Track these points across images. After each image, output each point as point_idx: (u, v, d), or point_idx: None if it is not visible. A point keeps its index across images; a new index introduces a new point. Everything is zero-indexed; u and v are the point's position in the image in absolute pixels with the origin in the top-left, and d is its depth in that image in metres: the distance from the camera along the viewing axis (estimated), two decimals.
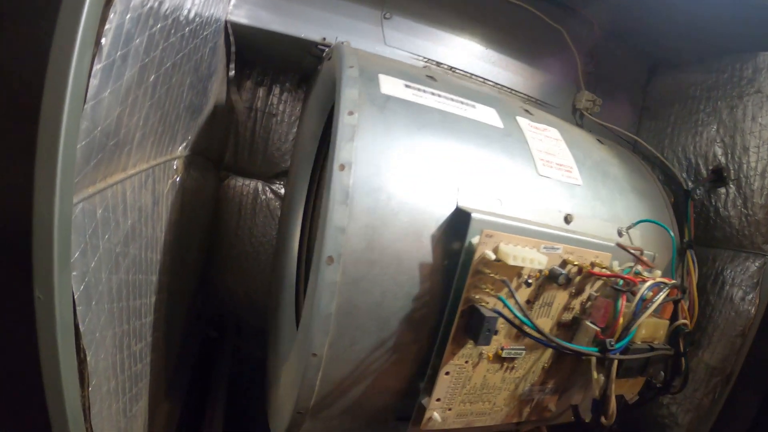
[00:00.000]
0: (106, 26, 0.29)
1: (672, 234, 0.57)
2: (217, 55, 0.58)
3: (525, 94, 0.74)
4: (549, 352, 0.49)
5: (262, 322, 0.94)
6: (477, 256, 0.40)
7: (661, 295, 0.48)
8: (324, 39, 0.63)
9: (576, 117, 0.80)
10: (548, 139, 0.56)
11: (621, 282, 0.47)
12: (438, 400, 0.45)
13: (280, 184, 0.90)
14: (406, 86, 0.50)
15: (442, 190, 0.44)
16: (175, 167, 0.53)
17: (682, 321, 0.57)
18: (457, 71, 0.70)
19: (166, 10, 0.37)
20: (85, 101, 0.28)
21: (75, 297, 0.30)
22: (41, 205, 0.26)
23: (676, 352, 0.57)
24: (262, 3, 0.61)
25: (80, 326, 0.31)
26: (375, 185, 0.41)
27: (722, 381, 0.75)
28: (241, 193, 0.89)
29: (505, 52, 0.73)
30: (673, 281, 0.51)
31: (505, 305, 0.40)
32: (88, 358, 0.33)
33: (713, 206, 0.76)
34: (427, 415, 0.45)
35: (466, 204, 0.44)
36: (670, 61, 0.83)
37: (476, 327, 0.41)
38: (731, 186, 0.74)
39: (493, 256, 0.40)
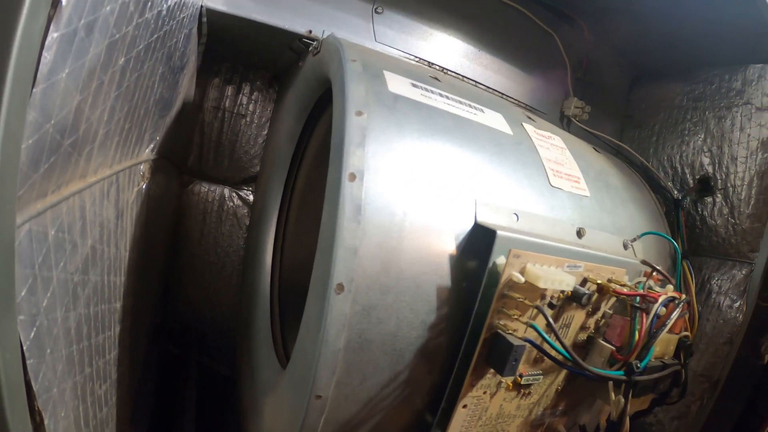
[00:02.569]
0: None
1: (677, 246, 0.57)
2: (191, 43, 0.51)
3: (515, 99, 0.73)
4: (563, 374, 0.47)
5: (229, 338, 0.87)
6: (504, 278, 0.37)
7: (677, 311, 0.47)
8: (310, 32, 0.57)
9: (563, 124, 0.80)
10: (554, 148, 0.54)
11: (638, 299, 0.46)
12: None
13: (248, 190, 0.82)
14: (413, 85, 0.45)
15: (460, 203, 0.40)
16: (141, 173, 0.45)
17: (684, 333, 0.57)
18: (449, 72, 0.66)
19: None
20: (34, 83, 0.21)
21: (24, 348, 0.23)
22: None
23: (682, 366, 0.57)
24: None
25: (33, 384, 0.24)
26: (389, 198, 0.37)
27: (709, 388, 0.77)
28: (205, 199, 0.80)
29: (498, 55, 0.70)
30: (684, 296, 0.51)
31: (538, 332, 0.37)
32: (45, 422, 0.25)
33: (700, 215, 0.78)
34: None
35: (484, 219, 0.40)
36: (656, 70, 0.85)
37: (502, 356, 0.37)
38: (718, 195, 0.76)
39: (522, 279, 0.36)
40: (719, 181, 0.76)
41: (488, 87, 0.70)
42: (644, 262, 0.46)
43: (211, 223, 0.82)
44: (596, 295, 0.45)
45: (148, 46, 0.35)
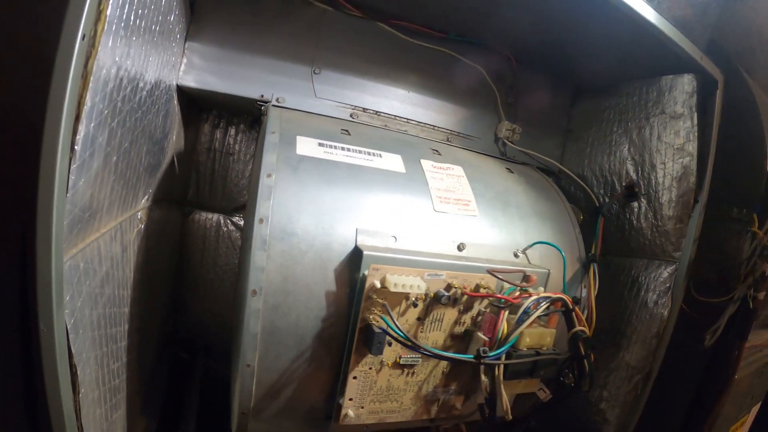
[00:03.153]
0: (77, 137, 0.47)
1: (562, 252, 0.76)
2: (169, 117, 0.77)
3: (448, 129, 0.93)
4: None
5: (228, 343, 1.14)
6: (367, 285, 0.59)
7: (540, 309, 0.66)
8: (262, 96, 0.82)
9: (499, 145, 0.99)
10: (450, 177, 0.75)
11: (503, 300, 0.66)
12: (351, 399, 0.64)
13: (239, 216, 1.09)
14: (320, 145, 0.69)
15: (344, 232, 0.63)
16: (139, 217, 0.72)
17: (579, 328, 0.74)
18: (382, 114, 0.89)
19: (122, 105, 0.56)
20: (67, 192, 0.47)
21: (68, 328, 0.49)
22: (43, 264, 0.45)
23: (577, 355, 0.75)
24: (207, 67, 0.80)
25: (72, 349, 0.50)
26: (288, 231, 0.60)
27: (642, 379, 0.93)
28: (204, 226, 1.08)
29: (427, 94, 0.92)
30: (557, 295, 0.69)
31: (385, 322, 0.58)
32: (78, 373, 0.51)
33: (628, 219, 0.95)
34: (342, 413, 0.64)
35: (363, 242, 0.62)
36: (590, 86, 1.02)
37: (369, 340, 0.59)
38: (642, 200, 0.92)
39: (378, 285, 0.58)
40: (643, 186, 0.92)
41: (419, 122, 0.91)
42: (489, 271, 0.65)
43: (209, 246, 1.09)
44: (465, 297, 0.66)
45: (132, 141, 0.61)
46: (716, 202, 0.94)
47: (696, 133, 0.85)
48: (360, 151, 0.71)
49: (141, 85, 0.60)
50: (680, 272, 0.89)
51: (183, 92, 0.82)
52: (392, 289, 0.58)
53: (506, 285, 0.68)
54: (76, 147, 0.47)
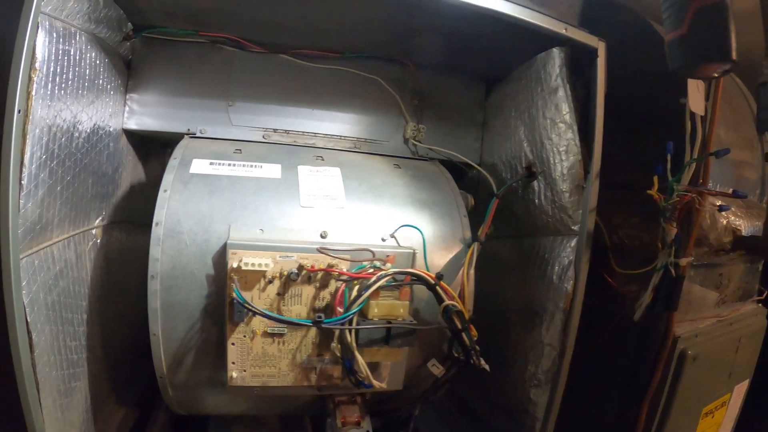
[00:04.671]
0: (23, 175, 0.94)
1: (422, 233, 1.08)
2: (117, 154, 1.25)
3: (355, 137, 1.30)
4: (313, 329, 1.03)
5: None
6: (228, 266, 0.97)
7: (380, 282, 0.99)
8: (188, 129, 1.27)
9: (409, 146, 1.33)
10: (324, 178, 1.12)
11: (346, 277, 1.00)
12: (233, 363, 1.02)
13: None
14: (211, 164, 1.10)
15: (220, 228, 1.03)
16: (93, 233, 1.19)
17: (449, 302, 1.06)
18: (291, 132, 1.29)
19: (58, 151, 1.03)
20: (19, 211, 0.93)
21: (24, 303, 0.94)
22: (5, 259, 0.91)
23: (454, 329, 1.06)
24: (144, 111, 1.27)
25: (28, 318, 0.95)
26: (177, 231, 1.02)
27: (558, 355, 1.18)
28: None
29: (331, 108, 1.30)
30: (406, 270, 1.02)
31: (236, 294, 0.96)
32: (34, 337, 0.96)
33: (531, 200, 1.22)
34: (228, 374, 1.02)
35: (233, 235, 1.02)
36: (495, 78, 1.33)
37: (231, 310, 0.97)
38: (540, 179, 1.20)
39: (236, 266, 0.97)
40: (538, 165, 1.19)
41: (326, 134, 1.30)
42: (319, 249, 1.00)
43: None
44: (321, 274, 1.01)
45: (74, 176, 1.08)
46: (625, 172, 1.18)
47: (572, 104, 1.11)
48: (243, 165, 1.11)
49: (76, 134, 1.07)
50: (581, 245, 1.14)
51: (130, 133, 1.30)
52: (244, 267, 0.96)
53: (364, 264, 1.02)
54: (22, 182, 0.93)
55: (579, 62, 1.14)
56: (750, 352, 1.63)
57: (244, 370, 1.03)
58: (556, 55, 1.13)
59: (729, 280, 1.57)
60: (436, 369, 1.13)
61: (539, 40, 1.13)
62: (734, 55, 0.80)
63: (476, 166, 1.27)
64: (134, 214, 1.40)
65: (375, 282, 0.99)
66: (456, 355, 1.12)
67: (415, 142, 1.32)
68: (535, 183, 1.20)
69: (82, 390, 1.15)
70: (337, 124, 1.32)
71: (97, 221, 1.21)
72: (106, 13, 1.08)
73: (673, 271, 1.14)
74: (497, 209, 1.21)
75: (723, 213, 1.33)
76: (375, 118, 1.34)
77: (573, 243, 1.15)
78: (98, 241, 1.21)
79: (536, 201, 1.21)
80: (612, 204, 1.26)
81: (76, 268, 1.12)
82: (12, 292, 0.91)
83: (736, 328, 1.55)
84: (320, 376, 1.06)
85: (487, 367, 1.10)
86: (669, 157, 1.09)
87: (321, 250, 1.00)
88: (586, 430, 1.43)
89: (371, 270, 1.02)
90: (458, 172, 1.39)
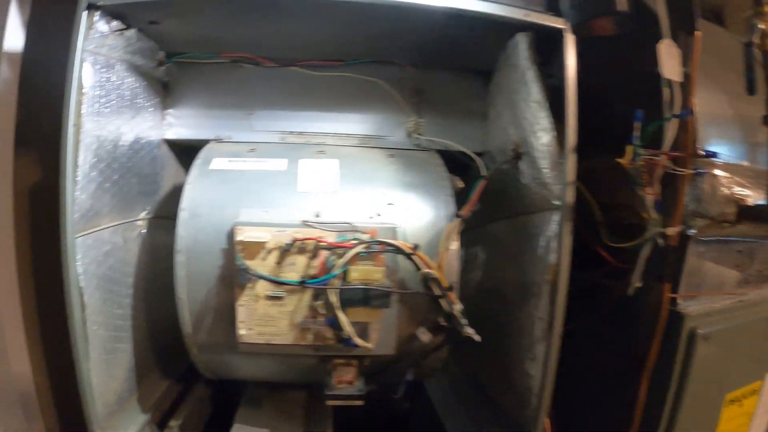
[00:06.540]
0: (77, 173, 1.21)
1: (406, 210, 1.25)
2: (159, 160, 1.52)
3: (360, 135, 1.51)
4: (308, 293, 1.22)
5: None
6: (234, 238, 1.19)
7: (356, 249, 1.17)
8: (217, 136, 1.52)
9: (411, 139, 1.52)
10: (322, 168, 1.33)
11: (326, 245, 1.19)
12: (242, 321, 1.22)
13: None
14: (229, 161, 1.34)
15: (232, 210, 1.25)
16: (139, 224, 1.46)
17: (426, 270, 1.23)
18: (305, 133, 1.51)
19: (106, 156, 1.30)
20: (74, 200, 1.20)
21: (78, 270, 1.20)
22: (64, 237, 1.18)
23: (432, 296, 1.22)
24: (179, 123, 1.54)
25: (81, 283, 1.21)
26: (197, 213, 1.26)
27: (547, 328, 1.28)
28: None
29: (339, 110, 1.51)
30: (382, 240, 1.19)
31: (238, 261, 1.17)
32: (84, 298, 1.22)
33: (519, 179, 1.35)
34: (237, 332, 1.23)
35: (243, 216, 1.24)
36: (489, 71, 1.49)
37: (238, 273, 1.19)
38: (525, 158, 1.33)
39: (239, 238, 1.18)
40: (521, 146, 1.32)
41: (335, 133, 1.51)
42: (304, 222, 1.19)
43: None
44: (313, 246, 1.20)
45: (121, 176, 1.35)
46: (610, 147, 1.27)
47: (541, 84, 1.22)
48: (254, 161, 1.34)
49: (120, 143, 1.34)
50: (564, 217, 1.21)
51: (170, 142, 1.57)
52: (246, 239, 1.17)
53: (346, 236, 1.21)
54: (77, 178, 1.20)
55: (555, 44, 1.24)
56: None
57: (251, 329, 1.23)
58: (521, 40, 1.26)
59: (751, 259, 1.52)
60: (425, 336, 1.28)
61: (509, 30, 1.27)
62: (619, 6, 0.87)
63: (468, 151, 1.43)
64: (175, 210, 1.67)
65: (352, 249, 1.17)
66: (442, 324, 1.27)
67: (417, 136, 1.52)
68: (521, 163, 1.33)
69: (126, 352, 1.39)
70: (343, 123, 1.53)
71: (142, 214, 1.48)
72: (139, 46, 1.36)
73: (661, 241, 1.21)
74: (495, 192, 1.36)
75: (725, 182, 1.32)
76: (378, 116, 1.54)
77: (557, 217, 1.23)
78: (143, 231, 1.48)
79: (523, 180, 1.33)
80: (601, 179, 1.37)
81: (123, 250, 1.38)
82: (69, 263, 1.17)
83: (761, 310, 1.49)
84: (316, 337, 1.24)
85: (476, 336, 1.23)
86: (639, 124, 1.17)
87: (305, 223, 1.20)
88: (589, 407, 1.50)
89: (354, 241, 1.20)
90: (465, 163, 1.54)
